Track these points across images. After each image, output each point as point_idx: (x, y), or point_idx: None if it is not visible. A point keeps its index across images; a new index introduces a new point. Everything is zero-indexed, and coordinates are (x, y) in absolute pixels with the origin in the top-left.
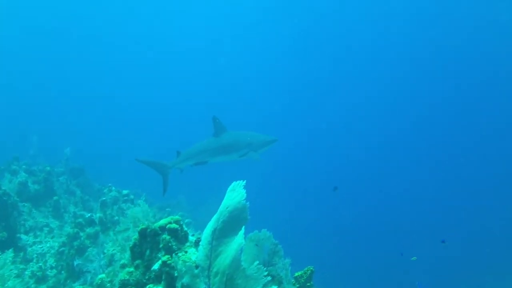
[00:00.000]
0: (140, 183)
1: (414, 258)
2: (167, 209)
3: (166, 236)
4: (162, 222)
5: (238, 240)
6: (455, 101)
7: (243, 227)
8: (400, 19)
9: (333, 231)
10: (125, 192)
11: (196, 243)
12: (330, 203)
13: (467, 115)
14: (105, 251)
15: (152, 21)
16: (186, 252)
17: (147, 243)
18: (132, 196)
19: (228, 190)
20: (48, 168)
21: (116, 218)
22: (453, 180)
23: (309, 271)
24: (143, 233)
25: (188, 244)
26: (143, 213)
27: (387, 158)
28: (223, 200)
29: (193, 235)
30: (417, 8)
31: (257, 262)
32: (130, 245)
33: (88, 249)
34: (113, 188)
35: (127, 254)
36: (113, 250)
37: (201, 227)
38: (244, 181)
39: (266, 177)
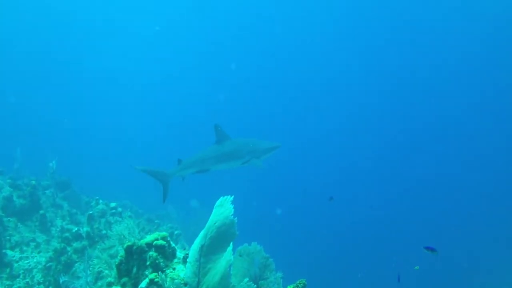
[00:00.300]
0: (128, 194)
1: (417, 267)
2: (156, 221)
3: (153, 253)
4: (148, 238)
5: (227, 256)
6: (453, 108)
7: (231, 243)
8: (402, 21)
9: (327, 242)
10: (112, 205)
11: (184, 260)
12: (323, 213)
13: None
14: (91, 268)
15: (152, 21)
16: (174, 269)
17: (134, 261)
18: (120, 209)
19: (215, 205)
20: (33, 182)
21: (104, 232)
22: (451, 186)
23: (301, 284)
24: (129, 250)
25: (176, 260)
26: (129, 230)
27: (383, 165)
28: (211, 216)
29: (184, 248)
30: (418, 9)
31: (247, 279)
32: (116, 263)
33: (76, 264)
34: (101, 201)
35: (114, 272)
36: (99, 267)
37: (191, 238)
38: (232, 196)
39: (257, 187)
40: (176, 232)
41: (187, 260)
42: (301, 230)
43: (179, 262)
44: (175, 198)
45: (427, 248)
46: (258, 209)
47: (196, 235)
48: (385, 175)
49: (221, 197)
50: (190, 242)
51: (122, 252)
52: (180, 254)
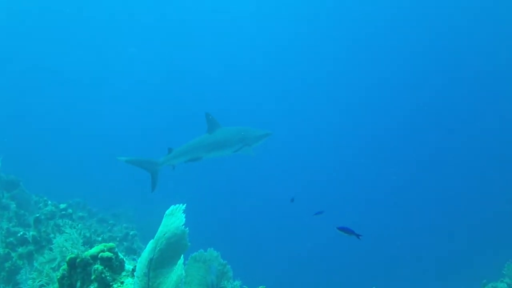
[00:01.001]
0: (84, 190)
1: None
2: (110, 222)
3: (98, 266)
4: (93, 250)
5: (178, 271)
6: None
7: (182, 256)
8: (399, 20)
9: (289, 247)
10: (62, 206)
11: (134, 272)
12: (286, 217)
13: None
14: (30, 282)
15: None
16: (122, 283)
17: (77, 274)
18: (70, 210)
19: (165, 214)
20: None
21: (52, 235)
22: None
23: None
24: (72, 263)
25: (124, 273)
26: (72, 241)
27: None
28: (160, 226)
29: (136, 255)
30: (415, 9)
31: None
32: (58, 277)
33: (22, 271)
34: (49, 202)
35: (56, 286)
36: (39, 281)
37: (148, 238)
38: (184, 205)
39: (215, 188)
40: (131, 232)
41: (135, 274)
42: (262, 234)
43: (127, 275)
44: (133, 195)
45: (343, 229)
46: (216, 211)
47: (154, 235)
48: (362, 178)
49: (172, 206)
50: (147, 242)
51: (64, 265)
52: (129, 266)
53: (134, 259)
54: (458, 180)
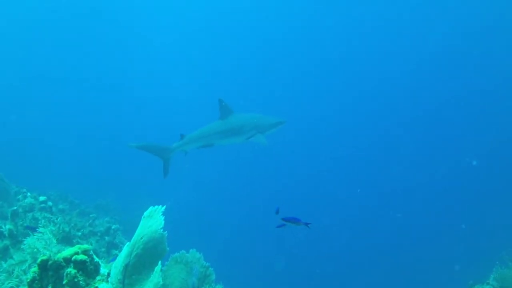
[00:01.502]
0: (66, 182)
1: None
2: (91, 215)
3: (71, 270)
4: (66, 252)
5: (155, 278)
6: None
7: (160, 262)
8: (400, 19)
9: (276, 251)
10: (42, 198)
11: (108, 278)
12: (273, 220)
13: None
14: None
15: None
16: None
17: (49, 278)
18: (50, 203)
19: (143, 216)
20: None
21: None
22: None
23: None
24: (43, 266)
25: (99, 278)
26: (45, 242)
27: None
28: (137, 229)
29: (118, 249)
30: (413, 8)
31: None
32: (28, 280)
33: None
34: (28, 194)
35: None
36: (9, 283)
37: (131, 232)
38: (164, 207)
39: (202, 187)
40: (113, 226)
41: (109, 280)
42: (247, 237)
43: (102, 280)
44: (117, 186)
45: (289, 219)
46: (199, 211)
47: (136, 229)
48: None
49: (151, 207)
50: (130, 236)
51: (35, 268)
52: (104, 270)
53: (115, 255)
54: (452, 183)
